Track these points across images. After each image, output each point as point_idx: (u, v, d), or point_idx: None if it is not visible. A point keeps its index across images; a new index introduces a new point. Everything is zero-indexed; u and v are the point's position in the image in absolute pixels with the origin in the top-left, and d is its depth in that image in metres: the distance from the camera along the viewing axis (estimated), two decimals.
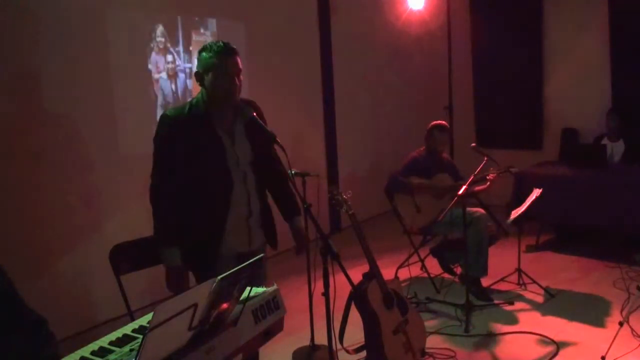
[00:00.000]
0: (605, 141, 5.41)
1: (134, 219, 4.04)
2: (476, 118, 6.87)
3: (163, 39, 4.28)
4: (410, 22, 6.48)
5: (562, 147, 6.12)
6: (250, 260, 1.75)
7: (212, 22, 4.69)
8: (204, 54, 2.31)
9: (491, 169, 4.02)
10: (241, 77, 2.35)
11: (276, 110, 4.54)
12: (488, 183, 4.02)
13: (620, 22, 5.67)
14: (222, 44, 2.30)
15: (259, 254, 2.12)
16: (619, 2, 5.67)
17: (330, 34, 5.79)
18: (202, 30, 4.62)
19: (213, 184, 2.36)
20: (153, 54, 4.24)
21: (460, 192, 3.64)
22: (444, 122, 4.41)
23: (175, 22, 4.40)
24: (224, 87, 2.29)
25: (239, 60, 2.33)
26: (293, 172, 2.30)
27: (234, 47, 2.33)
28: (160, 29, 4.25)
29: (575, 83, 6.10)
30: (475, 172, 3.85)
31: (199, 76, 2.34)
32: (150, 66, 4.23)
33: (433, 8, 6.46)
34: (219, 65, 2.28)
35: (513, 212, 4.18)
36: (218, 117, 2.37)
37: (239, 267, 1.68)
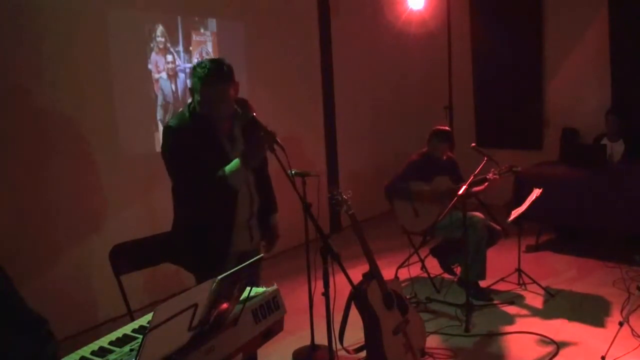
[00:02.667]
0: (605, 141, 5.41)
1: (134, 219, 4.06)
2: (476, 118, 6.87)
3: (163, 39, 4.28)
4: (410, 22, 6.48)
5: (562, 147, 6.11)
6: (250, 261, 1.75)
7: (212, 22, 4.69)
8: (198, 69, 2.27)
9: (493, 170, 4.01)
10: (230, 97, 2.30)
11: (276, 110, 4.57)
12: (486, 184, 4.02)
13: (620, 22, 5.67)
14: (208, 69, 2.23)
15: (257, 251, 2.13)
16: (619, 2, 5.67)
17: (330, 34, 5.79)
18: (202, 30, 4.62)
19: (219, 189, 2.37)
20: (153, 54, 4.24)
21: (460, 192, 3.64)
22: (446, 128, 4.37)
23: (175, 22, 4.41)
24: (207, 111, 2.29)
25: (225, 87, 2.26)
26: (293, 172, 2.30)
27: (225, 70, 2.25)
28: (160, 29, 4.25)
29: (575, 83, 6.10)
30: (475, 172, 3.84)
31: (191, 92, 2.34)
32: (150, 66, 4.23)
33: (433, 8, 6.46)
34: (201, 92, 2.26)
35: (513, 212, 4.17)
36: (218, 122, 2.38)
37: (239, 267, 1.68)
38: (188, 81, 4.48)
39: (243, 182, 2.37)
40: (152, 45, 4.23)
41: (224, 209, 2.39)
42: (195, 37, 4.56)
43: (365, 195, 5.50)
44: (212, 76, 2.24)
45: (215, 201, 2.35)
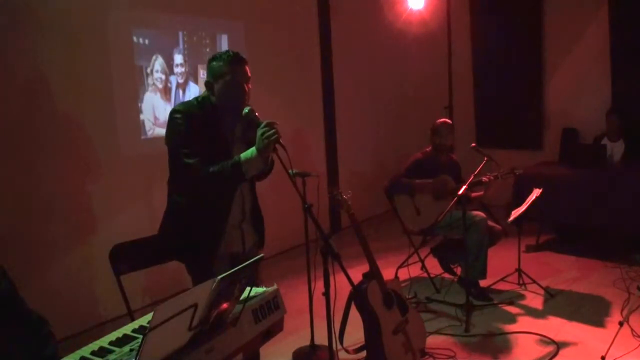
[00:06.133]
0: (605, 141, 5.41)
1: (134, 219, 4.05)
2: (476, 118, 6.87)
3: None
4: (410, 22, 6.48)
5: (562, 147, 6.12)
6: (251, 260, 1.75)
7: (213, 23, 4.69)
8: (214, 63, 2.34)
9: (494, 174, 4.00)
10: (250, 84, 2.37)
11: (276, 110, 4.56)
12: (482, 192, 4.03)
13: (620, 22, 5.67)
14: (232, 53, 2.33)
15: (252, 254, 2.12)
16: (619, 2, 5.67)
17: (330, 33, 5.79)
18: (203, 34, 4.61)
19: (217, 182, 2.36)
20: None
21: (460, 192, 3.64)
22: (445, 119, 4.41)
23: (175, 22, 4.40)
24: (233, 95, 2.32)
25: (248, 69, 2.35)
26: (293, 172, 2.30)
27: (244, 56, 2.36)
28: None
29: (575, 83, 6.10)
30: (475, 172, 3.84)
31: (210, 85, 2.36)
32: (149, 69, 4.23)
33: (433, 8, 6.46)
34: (229, 74, 2.30)
35: (513, 212, 4.17)
36: (223, 118, 2.39)
37: (239, 267, 1.68)
38: (191, 83, 4.48)
39: (257, 172, 2.37)
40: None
41: (217, 206, 2.39)
42: (195, 38, 4.56)
43: (365, 195, 5.52)
44: (239, 57, 2.33)
45: (211, 192, 2.34)
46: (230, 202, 2.42)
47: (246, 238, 2.53)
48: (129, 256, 2.40)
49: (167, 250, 2.47)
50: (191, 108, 2.35)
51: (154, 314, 1.39)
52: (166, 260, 2.51)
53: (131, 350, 1.62)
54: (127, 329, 1.77)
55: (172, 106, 4.36)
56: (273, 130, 2.21)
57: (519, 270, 4.27)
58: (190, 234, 2.40)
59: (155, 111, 4.31)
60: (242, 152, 2.31)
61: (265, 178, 2.56)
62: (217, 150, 2.33)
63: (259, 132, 2.23)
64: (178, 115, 2.32)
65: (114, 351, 1.63)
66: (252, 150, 2.26)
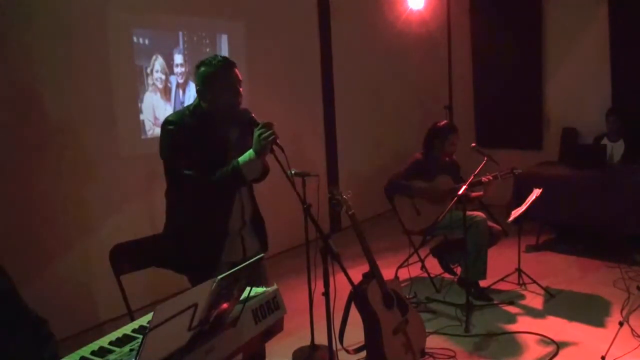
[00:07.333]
0: (605, 141, 5.41)
1: (134, 219, 4.05)
2: (476, 118, 6.87)
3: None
4: (410, 22, 6.48)
5: (562, 147, 6.12)
6: (250, 260, 1.75)
7: (213, 23, 4.69)
8: (203, 68, 2.31)
9: (494, 174, 3.99)
10: (241, 87, 2.36)
11: (276, 111, 4.56)
12: (482, 192, 4.03)
13: (620, 22, 5.67)
14: (221, 58, 2.32)
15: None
16: (619, 2, 5.67)
17: (330, 34, 5.79)
18: (203, 34, 4.61)
19: (216, 188, 2.35)
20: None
21: (460, 191, 3.63)
22: (446, 121, 4.39)
23: (175, 22, 4.40)
24: (227, 99, 2.31)
25: (237, 71, 2.34)
26: (293, 172, 2.30)
27: (232, 60, 2.36)
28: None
29: (575, 83, 6.10)
30: (475, 172, 3.84)
31: (201, 92, 2.33)
32: (149, 69, 4.23)
33: (433, 8, 6.46)
34: (221, 78, 2.29)
35: (513, 212, 4.18)
36: (217, 124, 2.37)
37: (239, 267, 1.68)
38: (191, 84, 4.48)
39: (257, 174, 2.37)
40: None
41: (216, 215, 2.37)
42: (195, 39, 4.55)
43: (365, 195, 5.51)
44: (230, 61, 2.33)
45: (210, 201, 2.33)
46: (230, 209, 2.40)
47: (247, 245, 2.51)
48: (129, 256, 2.40)
49: (169, 262, 2.46)
50: (184, 117, 2.33)
51: (154, 314, 1.39)
52: (156, 264, 2.49)
53: (131, 350, 1.62)
54: (127, 329, 1.77)
55: (172, 106, 4.37)
56: (270, 132, 2.20)
57: (519, 270, 4.27)
58: (191, 246, 2.38)
59: (155, 111, 4.31)
60: (239, 157, 2.30)
61: (261, 181, 2.55)
62: (214, 157, 2.32)
63: (256, 133, 2.22)
64: (171, 127, 2.29)
65: (114, 351, 1.63)
66: (249, 153, 2.25)
